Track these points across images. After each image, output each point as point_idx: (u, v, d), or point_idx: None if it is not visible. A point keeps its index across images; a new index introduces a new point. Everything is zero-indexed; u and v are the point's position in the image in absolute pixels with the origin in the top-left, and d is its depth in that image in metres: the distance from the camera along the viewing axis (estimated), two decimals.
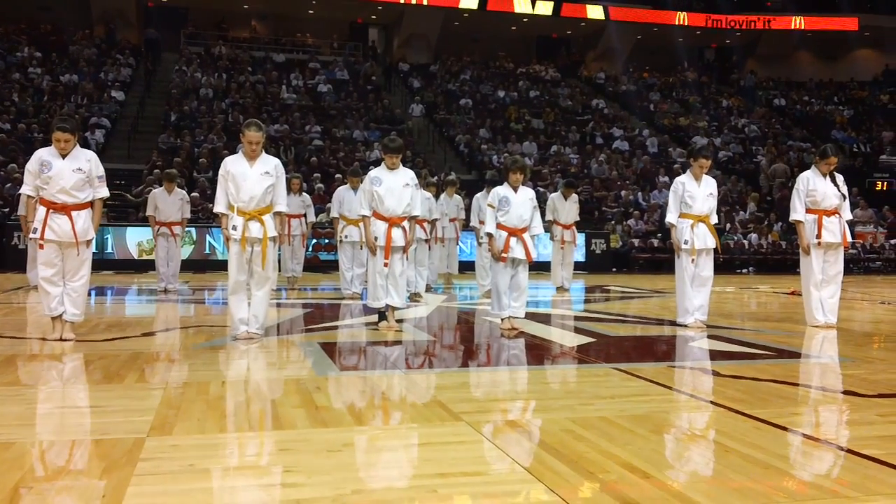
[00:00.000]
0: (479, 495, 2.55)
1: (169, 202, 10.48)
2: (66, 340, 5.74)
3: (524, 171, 6.68)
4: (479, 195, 10.27)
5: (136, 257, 15.70)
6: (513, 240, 6.53)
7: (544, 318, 7.87)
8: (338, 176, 17.75)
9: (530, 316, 7.28)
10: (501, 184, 6.71)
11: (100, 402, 3.88)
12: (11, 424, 3.35)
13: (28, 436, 3.19)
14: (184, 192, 10.98)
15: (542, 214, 7.61)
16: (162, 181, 11.03)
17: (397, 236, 6.64)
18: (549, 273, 11.95)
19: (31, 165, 5.74)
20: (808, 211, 7.27)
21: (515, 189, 6.60)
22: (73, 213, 5.72)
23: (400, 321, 7.04)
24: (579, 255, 16.82)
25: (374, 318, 6.95)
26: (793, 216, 7.36)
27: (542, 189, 19.05)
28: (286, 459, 2.90)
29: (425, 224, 9.82)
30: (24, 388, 4.18)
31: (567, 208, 11.36)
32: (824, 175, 7.26)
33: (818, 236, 7.15)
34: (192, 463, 2.81)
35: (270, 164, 6.01)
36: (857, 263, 19.80)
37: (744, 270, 18.91)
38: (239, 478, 2.71)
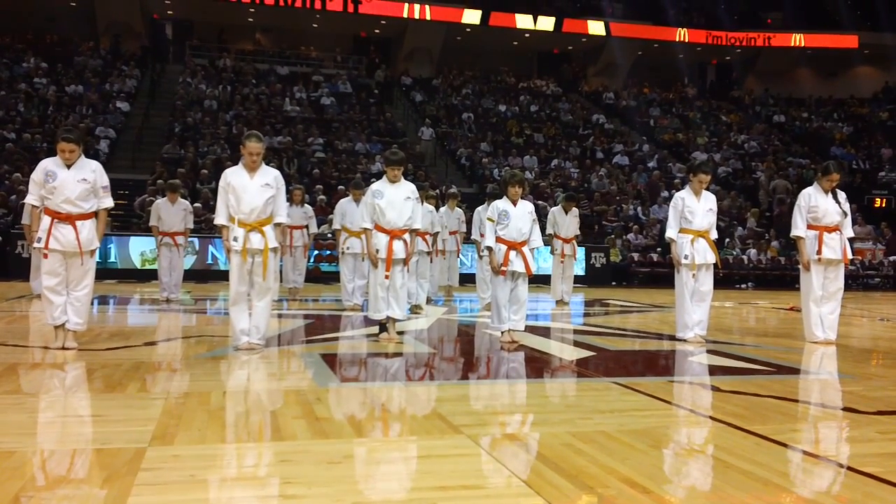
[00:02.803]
0: None
1: (172, 212, 10.50)
2: (68, 349, 5.75)
3: (523, 185, 6.71)
4: (480, 208, 10.30)
5: (138, 267, 15.72)
6: (512, 253, 6.56)
7: (544, 332, 7.88)
8: (340, 188, 17.78)
9: (530, 329, 7.29)
10: (502, 197, 6.74)
11: (101, 412, 3.89)
12: (13, 433, 3.36)
13: (29, 445, 3.20)
14: (187, 202, 11.01)
15: (543, 228, 7.64)
16: (165, 192, 11.05)
17: (398, 249, 6.66)
18: (548, 286, 11.96)
19: (36, 175, 5.77)
20: (809, 227, 7.28)
21: (515, 203, 6.63)
22: (78, 223, 5.75)
23: (401, 333, 7.05)
24: (579, 269, 16.82)
25: (375, 329, 6.96)
26: (794, 232, 7.37)
27: (542, 203, 19.09)
28: (286, 470, 2.91)
29: (427, 237, 9.85)
30: (26, 397, 4.19)
31: (567, 222, 11.39)
32: (826, 192, 7.28)
33: (818, 252, 7.17)
34: (192, 473, 2.82)
35: (270, 176, 6.04)
36: (856, 280, 19.81)
37: (743, 286, 18.91)
38: (239, 488, 2.72)
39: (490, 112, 27.63)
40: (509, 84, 30.74)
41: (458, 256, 12.73)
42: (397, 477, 2.93)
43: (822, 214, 7.23)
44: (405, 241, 6.72)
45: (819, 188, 7.31)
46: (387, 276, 6.65)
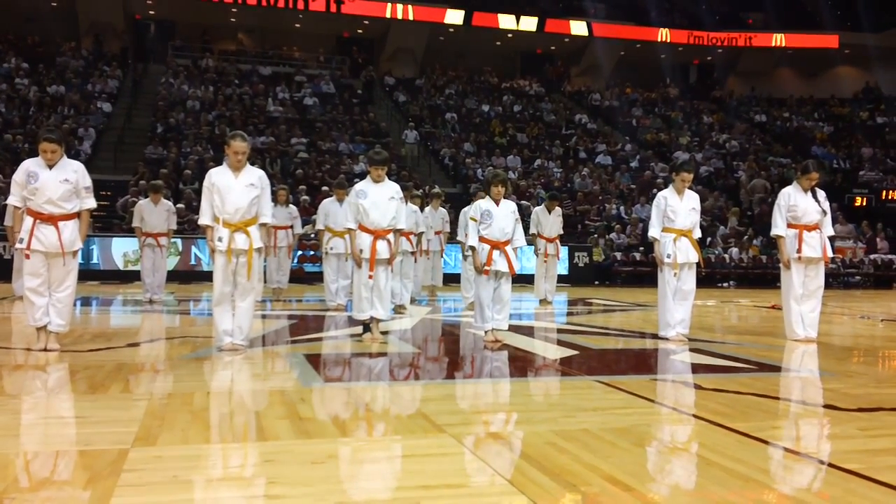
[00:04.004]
0: None
1: (155, 213, 10.47)
2: (50, 351, 5.71)
3: (506, 185, 6.72)
4: (465, 209, 10.31)
5: (121, 268, 15.63)
6: (495, 253, 6.56)
7: (527, 331, 7.89)
8: (324, 188, 17.75)
9: (513, 328, 7.31)
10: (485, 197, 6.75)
11: (84, 413, 3.87)
12: None
13: (12, 446, 3.18)
14: (170, 203, 10.98)
15: (526, 228, 7.66)
16: (148, 193, 11.00)
17: (382, 249, 6.65)
18: (532, 286, 11.99)
19: (18, 176, 5.73)
20: (789, 226, 7.33)
21: (497, 202, 6.63)
22: (60, 224, 5.71)
23: (384, 333, 7.05)
24: (562, 269, 16.86)
25: (359, 329, 6.95)
26: (774, 231, 7.42)
27: (525, 203, 19.14)
28: (270, 471, 2.90)
29: (411, 237, 9.86)
30: (8, 399, 4.15)
31: (551, 221, 11.42)
32: (805, 191, 7.34)
33: (798, 251, 7.22)
34: (175, 474, 2.81)
35: (255, 176, 6.03)
36: (837, 278, 19.98)
37: (725, 284, 19.03)
38: (223, 489, 2.71)
39: (473, 112, 27.66)
40: (492, 84, 30.79)
41: (442, 256, 12.74)
42: (381, 476, 2.93)
43: (801, 213, 7.28)
44: (389, 241, 6.72)
45: (798, 187, 7.36)
46: (371, 277, 6.65)
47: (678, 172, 7.17)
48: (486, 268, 6.54)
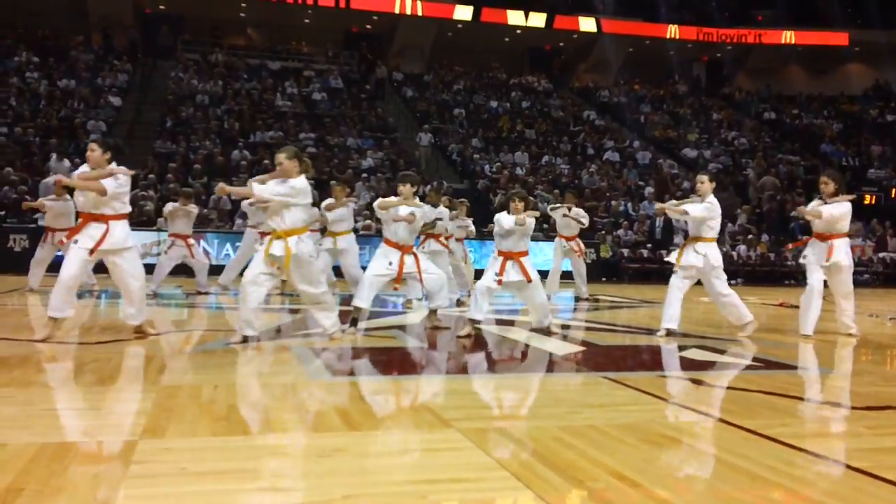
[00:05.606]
0: (469, 501, 2.58)
1: (180, 215, 10.97)
2: (54, 342, 5.76)
3: (525, 201, 7.08)
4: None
5: None
6: (508, 263, 6.90)
7: None
8: (332, 182, 17.75)
9: (519, 324, 7.32)
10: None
11: (92, 405, 3.89)
12: (4, 426, 3.36)
13: (20, 437, 3.19)
14: (193, 205, 11.31)
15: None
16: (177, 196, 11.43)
17: (409, 263, 6.98)
18: (572, 282, 12.07)
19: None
20: (817, 235, 7.41)
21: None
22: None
23: (396, 328, 7.07)
24: (567, 265, 16.81)
25: (375, 325, 6.98)
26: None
27: (532, 199, 19.10)
28: (277, 464, 2.92)
29: (441, 238, 10.05)
30: (17, 390, 4.16)
31: (567, 220, 11.47)
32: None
33: (828, 259, 7.27)
34: (184, 466, 2.83)
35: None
36: None
37: (732, 282, 18.93)
38: (230, 482, 2.72)
39: (481, 108, 27.63)
40: (500, 80, 30.74)
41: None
42: (387, 470, 2.94)
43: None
44: (415, 255, 7.11)
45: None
46: (396, 288, 7.19)
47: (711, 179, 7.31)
48: (499, 278, 6.85)
